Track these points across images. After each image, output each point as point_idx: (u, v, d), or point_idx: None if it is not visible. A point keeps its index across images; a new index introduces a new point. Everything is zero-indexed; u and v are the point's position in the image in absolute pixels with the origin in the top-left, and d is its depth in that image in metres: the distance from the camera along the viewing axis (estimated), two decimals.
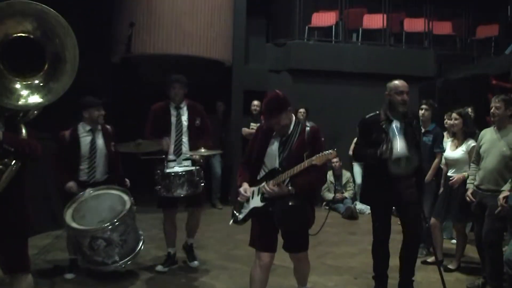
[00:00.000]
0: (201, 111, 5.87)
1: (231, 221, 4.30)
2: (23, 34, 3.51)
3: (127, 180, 5.65)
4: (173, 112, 5.70)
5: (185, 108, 5.75)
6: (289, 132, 4.07)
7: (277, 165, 4.05)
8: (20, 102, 3.58)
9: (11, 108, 3.67)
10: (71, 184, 5.32)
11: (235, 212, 4.27)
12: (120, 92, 10.00)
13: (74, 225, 4.82)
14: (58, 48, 3.55)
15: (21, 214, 3.71)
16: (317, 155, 3.82)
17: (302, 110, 9.52)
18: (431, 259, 5.92)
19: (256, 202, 4.06)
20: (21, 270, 3.68)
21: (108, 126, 5.68)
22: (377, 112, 4.81)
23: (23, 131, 3.74)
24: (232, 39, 9.90)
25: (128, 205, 5.01)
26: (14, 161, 3.58)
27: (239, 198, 4.17)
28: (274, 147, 4.08)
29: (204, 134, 5.78)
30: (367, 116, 4.86)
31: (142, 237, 5.30)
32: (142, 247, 5.25)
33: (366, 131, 4.78)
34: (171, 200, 5.51)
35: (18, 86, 3.55)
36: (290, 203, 3.89)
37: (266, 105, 4.04)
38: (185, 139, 5.66)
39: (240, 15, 10.10)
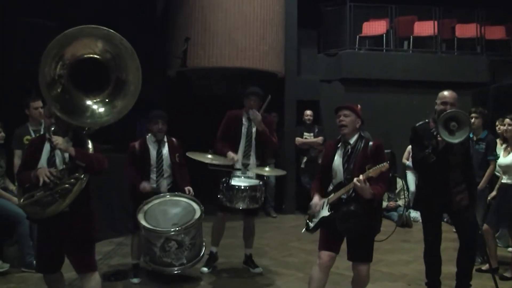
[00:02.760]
0: (272, 123, 6.09)
1: (304, 229, 4.52)
2: (91, 55, 3.80)
3: (188, 189, 5.74)
4: (245, 123, 5.89)
5: None
6: (352, 145, 4.26)
7: (342, 178, 4.25)
8: (89, 120, 3.89)
9: (81, 125, 4.00)
10: (145, 184, 5.58)
11: (308, 221, 4.48)
12: (175, 105, 10.32)
13: (149, 226, 5.12)
14: (123, 70, 3.82)
15: (88, 222, 4.08)
16: (373, 168, 3.98)
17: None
18: (485, 267, 5.90)
19: (324, 212, 4.28)
20: (90, 270, 4.05)
21: (173, 139, 5.91)
22: (427, 120, 4.93)
23: (90, 145, 4.05)
24: (284, 51, 10.08)
25: (199, 212, 5.29)
26: (83, 175, 3.90)
27: (309, 212, 4.42)
28: (338, 161, 4.29)
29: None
30: (417, 124, 4.97)
31: (204, 242, 5.54)
32: (205, 251, 5.49)
33: (417, 138, 4.88)
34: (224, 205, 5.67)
35: (87, 104, 3.86)
36: (352, 208, 4.09)
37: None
38: (252, 151, 5.85)
39: (291, 27, 10.27)
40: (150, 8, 10.50)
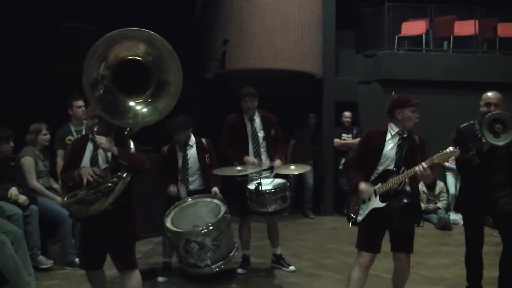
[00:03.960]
0: (274, 121, 6.08)
1: (350, 224, 4.47)
2: (133, 57, 3.87)
3: (214, 190, 5.71)
4: (248, 124, 5.93)
5: (258, 119, 5.99)
6: (406, 136, 4.28)
7: (392, 166, 4.24)
8: (131, 121, 3.96)
9: (123, 125, 4.08)
10: (171, 188, 5.70)
11: (351, 215, 4.44)
12: (213, 107, 10.43)
13: (171, 227, 5.18)
14: (164, 71, 3.89)
15: (130, 220, 4.18)
16: (438, 154, 3.97)
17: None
18: None
19: (375, 203, 4.24)
20: (131, 268, 4.15)
21: (203, 139, 5.95)
22: (472, 122, 4.86)
23: (132, 145, 4.14)
24: (322, 52, 10.07)
25: (222, 213, 5.27)
26: (125, 174, 3.98)
27: (362, 196, 4.33)
28: (391, 148, 4.29)
29: (279, 144, 6.02)
30: (461, 126, 4.91)
31: (236, 244, 5.54)
32: (236, 254, 5.48)
33: (461, 140, 4.81)
34: (250, 209, 5.66)
35: (129, 105, 3.92)
36: (405, 201, 4.10)
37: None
38: (263, 150, 5.91)
39: (329, 28, 10.25)
40: (188, 11, 10.63)
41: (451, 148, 3.96)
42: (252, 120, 5.95)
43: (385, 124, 4.43)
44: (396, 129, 4.30)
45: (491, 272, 4.90)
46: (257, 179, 5.50)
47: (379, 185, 4.25)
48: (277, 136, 6.07)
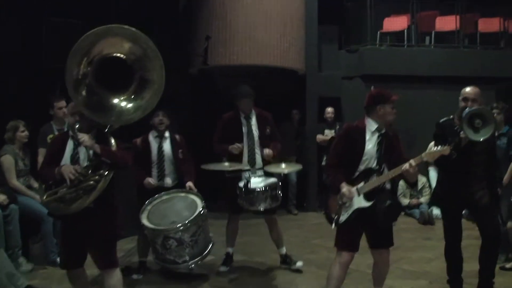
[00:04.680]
0: (270, 119, 6.04)
1: (332, 225, 4.35)
2: (117, 55, 3.87)
3: (189, 184, 5.70)
4: (244, 122, 5.87)
5: (254, 118, 5.93)
6: (384, 133, 4.28)
7: (374, 164, 4.23)
8: (114, 118, 3.96)
9: (106, 123, 4.06)
10: (149, 180, 5.65)
11: (332, 215, 4.35)
12: (198, 102, 10.39)
13: (148, 224, 5.14)
14: (147, 69, 3.90)
15: (111, 218, 4.17)
16: (427, 152, 4.02)
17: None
18: (509, 265, 5.87)
19: (360, 202, 4.19)
20: (112, 266, 4.13)
21: (177, 135, 5.96)
22: (451, 116, 4.87)
23: (113, 142, 4.11)
24: (305, 47, 10.06)
25: (200, 208, 5.24)
26: (107, 172, 3.95)
27: (344, 199, 4.22)
28: (371, 147, 4.26)
29: (274, 142, 5.96)
30: (441, 121, 4.92)
31: (212, 239, 5.51)
32: (212, 248, 5.45)
33: (441, 135, 4.82)
34: (240, 207, 5.63)
35: (112, 102, 3.92)
36: (389, 201, 4.12)
37: None
38: (257, 149, 5.83)
39: (312, 23, 10.23)
40: (172, 6, 10.56)
41: (445, 147, 4.00)
42: (248, 119, 5.89)
43: (362, 120, 4.40)
44: (375, 126, 4.29)
45: (472, 266, 4.93)
46: (248, 177, 5.48)
47: (362, 183, 4.21)
48: (273, 134, 6.01)
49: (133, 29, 3.80)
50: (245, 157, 5.79)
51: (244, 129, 5.85)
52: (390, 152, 4.23)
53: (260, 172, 5.75)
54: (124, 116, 3.94)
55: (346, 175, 4.28)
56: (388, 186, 4.29)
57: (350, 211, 4.24)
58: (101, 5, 8.67)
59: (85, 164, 4.00)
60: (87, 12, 8.22)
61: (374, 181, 4.17)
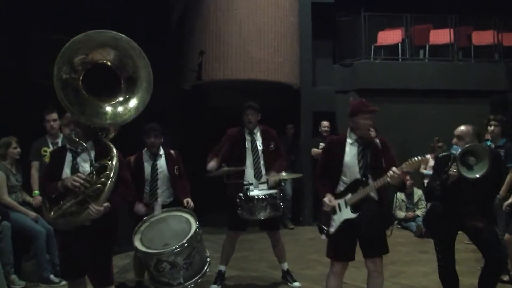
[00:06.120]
0: (274, 135, 6.03)
1: (323, 236, 4.39)
2: (102, 60, 3.93)
3: (187, 200, 5.63)
4: (248, 138, 5.86)
5: (258, 134, 5.92)
6: (366, 142, 4.26)
7: (358, 175, 4.22)
8: (109, 121, 3.98)
9: (101, 126, 4.08)
10: (139, 207, 5.54)
11: (323, 227, 4.37)
12: (190, 117, 10.35)
13: (141, 248, 5.04)
14: (133, 69, 3.94)
15: (109, 234, 4.12)
16: (407, 162, 3.97)
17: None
18: (506, 277, 5.81)
19: (347, 214, 4.22)
20: (107, 284, 4.08)
21: (172, 151, 5.83)
22: (448, 153, 4.81)
23: (114, 150, 4.05)
24: (299, 62, 10.07)
25: (193, 229, 5.08)
26: (113, 172, 3.91)
27: (325, 208, 4.29)
28: (350, 158, 4.26)
29: (278, 158, 5.93)
30: (440, 155, 4.93)
31: (208, 259, 5.36)
32: (208, 269, 5.25)
33: (437, 169, 4.80)
34: (243, 223, 5.63)
35: (104, 108, 3.93)
36: (373, 211, 4.13)
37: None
38: (262, 163, 5.81)
39: (306, 38, 10.27)
40: (165, 22, 10.58)
41: (425, 157, 3.96)
42: (252, 134, 5.89)
43: (344, 132, 4.43)
44: (354, 137, 4.30)
45: (470, 279, 4.88)
46: (252, 190, 5.49)
47: (349, 195, 4.23)
48: (277, 150, 5.99)
49: (113, 32, 3.88)
50: (251, 172, 5.77)
51: (248, 145, 5.84)
52: (377, 162, 4.20)
53: (264, 186, 5.73)
54: (119, 118, 3.96)
55: (332, 186, 4.34)
56: (374, 196, 4.25)
57: (338, 223, 4.27)
58: (91, 21, 8.64)
59: (88, 170, 3.96)
60: (78, 28, 8.19)
61: (360, 192, 4.18)
